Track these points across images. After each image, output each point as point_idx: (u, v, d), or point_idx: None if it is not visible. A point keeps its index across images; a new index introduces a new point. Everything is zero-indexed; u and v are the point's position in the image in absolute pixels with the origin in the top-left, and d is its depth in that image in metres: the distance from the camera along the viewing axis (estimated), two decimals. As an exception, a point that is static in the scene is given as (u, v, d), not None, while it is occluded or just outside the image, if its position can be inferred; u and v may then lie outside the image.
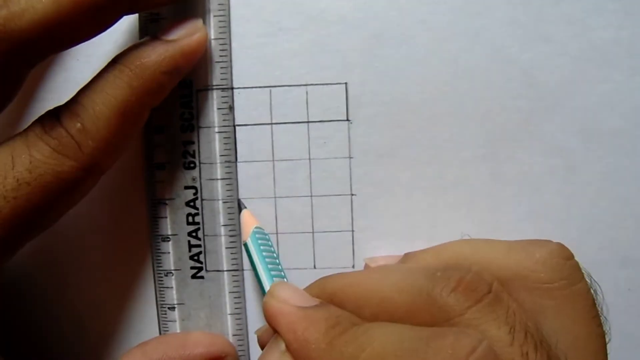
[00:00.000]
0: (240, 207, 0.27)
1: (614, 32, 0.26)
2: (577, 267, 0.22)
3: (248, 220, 0.27)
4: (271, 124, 0.27)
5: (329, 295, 0.23)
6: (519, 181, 0.27)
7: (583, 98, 0.27)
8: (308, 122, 0.27)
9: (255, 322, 0.28)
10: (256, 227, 0.27)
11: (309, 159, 0.27)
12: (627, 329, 0.27)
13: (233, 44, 0.27)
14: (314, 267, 0.28)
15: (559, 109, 0.27)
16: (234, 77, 0.27)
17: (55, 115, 0.23)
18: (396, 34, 0.27)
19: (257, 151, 0.27)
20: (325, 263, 0.27)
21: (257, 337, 0.26)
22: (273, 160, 0.27)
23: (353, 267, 0.27)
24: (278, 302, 0.22)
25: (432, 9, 0.27)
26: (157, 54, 0.24)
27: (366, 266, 0.27)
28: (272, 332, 0.22)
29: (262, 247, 0.26)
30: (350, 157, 0.27)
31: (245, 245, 0.26)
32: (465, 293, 0.20)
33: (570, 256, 0.22)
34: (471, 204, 0.27)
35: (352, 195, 0.27)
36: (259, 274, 0.26)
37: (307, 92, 0.27)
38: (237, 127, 0.27)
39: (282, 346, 0.21)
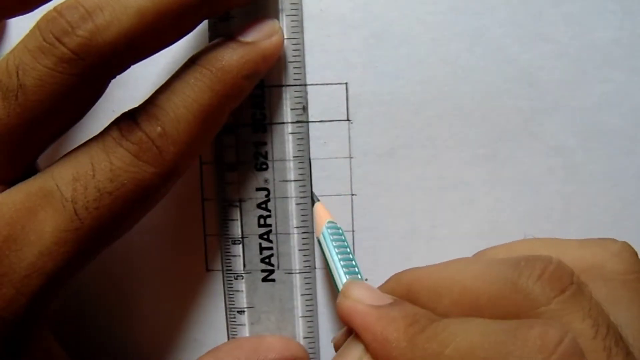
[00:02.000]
0: (313, 200, 0.27)
1: (614, 32, 0.26)
2: None
3: (321, 214, 0.27)
4: (271, 124, 0.27)
5: (405, 288, 0.22)
6: (519, 181, 0.27)
7: (583, 98, 0.27)
8: (308, 122, 0.27)
9: (326, 324, 0.28)
10: (329, 222, 0.26)
11: (309, 158, 0.27)
12: (627, 329, 0.27)
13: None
14: (314, 267, 0.28)
15: (559, 109, 0.27)
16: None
17: (133, 118, 0.22)
18: (396, 34, 0.27)
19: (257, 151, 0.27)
20: (325, 263, 0.27)
21: (334, 344, 0.25)
22: (273, 160, 0.27)
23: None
24: (352, 302, 0.22)
25: (432, 9, 0.27)
26: (238, 57, 0.23)
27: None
28: (349, 336, 0.22)
29: (335, 243, 0.26)
30: (350, 157, 0.27)
31: (318, 240, 0.26)
32: (550, 282, 0.20)
33: (636, 253, 0.22)
34: (471, 204, 0.27)
35: (352, 195, 0.27)
36: (332, 271, 0.25)
37: (307, 92, 0.27)
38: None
39: (361, 349, 0.21)
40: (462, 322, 0.20)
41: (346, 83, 0.27)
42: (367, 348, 0.21)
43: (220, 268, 0.28)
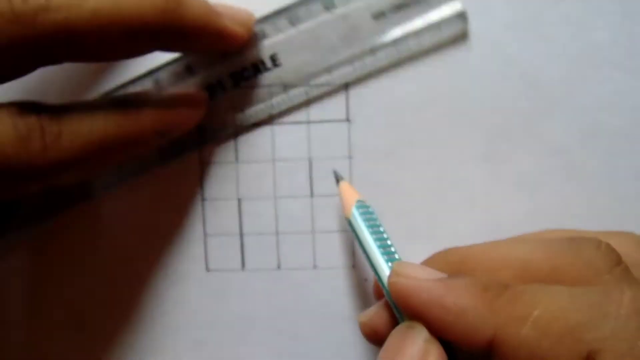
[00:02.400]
0: (337, 178, 0.26)
1: (614, 32, 0.26)
2: None
3: (349, 194, 0.25)
4: (271, 124, 0.27)
5: (455, 266, 0.22)
6: (519, 181, 0.27)
7: (583, 98, 0.27)
8: (308, 122, 0.27)
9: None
10: (358, 201, 0.24)
11: (309, 159, 0.27)
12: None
13: (233, 44, 0.27)
14: (314, 267, 0.28)
15: (559, 109, 0.27)
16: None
17: (37, 110, 0.22)
18: (396, 34, 0.27)
19: (257, 151, 0.27)
20: (325, 263, 0.27)
21: (362, 323, 0.23)
22: (273, 160, 0.27)
23: (353, 266, 0.27)
24: (409, 279, 0.21)
25: (432, 9, 0.27)
26: (154, 111, 0.24)
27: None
28: (386, 315, 0.22)
29: (368, 223, 0.24)
30: (350, 157, 0.27)
31: (349, 222, 0.24)
32: (607, 253, 0.20)
33: None
34: (471, 204, 0.27)
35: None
36: (369, 252, 0.23)
37: (307, 93, 0.27)
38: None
39: (425, 333, 0.20)
40: (541, 288, 0.20)
41: (346, 83, 0.27)
42: (435, 326, 0.20)
43: (220, 268, 0.28)
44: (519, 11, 0.27)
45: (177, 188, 0.28)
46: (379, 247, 0.23)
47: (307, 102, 0.27)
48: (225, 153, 0.27)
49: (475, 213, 0.27)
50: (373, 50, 0.27)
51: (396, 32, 0.27)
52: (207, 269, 0.28)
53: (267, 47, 0.27)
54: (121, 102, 0.24)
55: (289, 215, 0.27)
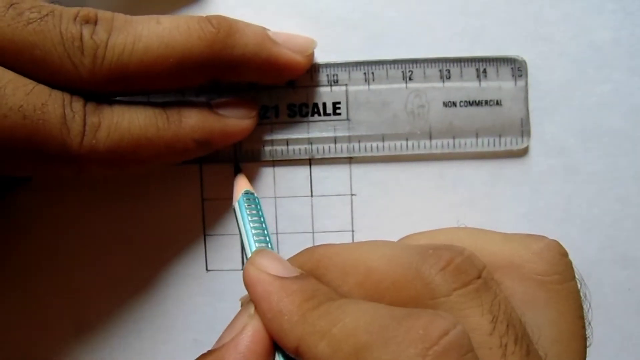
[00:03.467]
0: (237, 169, 0.27)
1: (614, 32, 0.26)
2: (570, 265, 0.22)
3: (240, 184, 0.26)
4: (271, 124, 0.27)
5: (315, 262, 0.22)
6: (519, 181, 0.27)
7: (583, 98, 0.27)
8: (308, 122, 0.27)
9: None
10: (246, 191, 0.26)
11: (309, 158, 0.27)
12: (627, 329, 0.27)
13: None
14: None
15: (559, 109, 0.27)
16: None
17: (85, 97, 0.22)
18: (396, 34, 0.27)
19: (257, 151, 0.27)
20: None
21: (241, 304, 0.25)
22: (273, 160, 0.27)
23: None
24: (257, 270, 0.22)
25: (432, 9, 0.27)
26: (197, 120, 0.24)
27: None
28: None
29: (249, 212, 0.25)
30: (350, 157, 0.27)
31: (234, 210, 0.25)
32: (454, 274, 0.20)
33: (565, 253, 0.22)
34: (471, 204, 0.27)
35: (352, 195, 0.27)
36: (243, 240, 0.24)
37: (307, 92, 0.27)
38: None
39: (251, 310, 0.21)
40: (356, 304, 0.20)
41: (346, 83, 0.27)
42: (262, 318, 0.21)
43: (220, 268, 0.28)
44: (519, 11, 0.26)
45: (177, 188, 0.28)
46: (254, 234, 0.24)
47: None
48: (225, 153, 0.27)
49: (475, 213, 0.27)
50: (433, 134, 0.27)
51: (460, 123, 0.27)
52: (207, 269, 0.28)
53: (334, 92, 0.27)
54: (167, 107, 0.24)
55: (289, 215, 0.27)
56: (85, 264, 0.28)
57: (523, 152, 0.27)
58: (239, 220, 0.25)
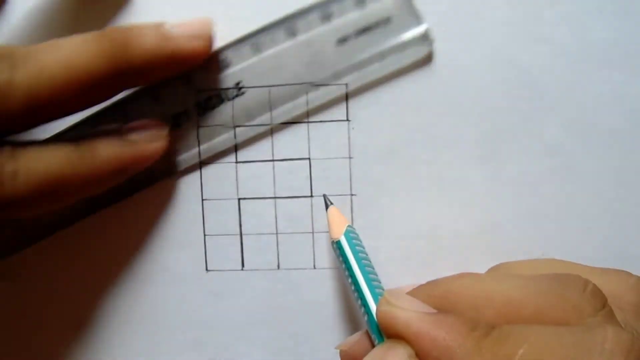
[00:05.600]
0: (326, 203, 0.27)
1: (614, 32, 0.26)
2: None
3: (338, 219, 0.26)
4: (271, 124, 0.27)
5: (439, 298, 0.22)
6: (519, 181, 0.27)
7: (583, 98, 0.27)
8: (308, 122, 0.27)
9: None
10: (349, 226, 0.25)
11: (309, 159, 0.27)
12: (627, 329, 0.27)
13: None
14: (314, 267, 0.28)
15: (559, 109, 0.27)
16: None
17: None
18: (396, 34, 0.27)
19: (257, 151, 0.27)
20: (325, 263, 0.27)
21: (343, 352, 0.24)
22: (273, 160, 0.27)
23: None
24: (402, 310, 0.21)
25: (432, 9, 0.27)
26: (109, 151, 0.24)
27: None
28: (367, 344, 0.22)
29: (358, 248, 0.25)
30: (350, 157, 0.27)
31: (339, 244, 0.25)
32: (593, 296, 0.21)
33: None
34: (471, 204, 0.27)
35: (352, 195, 0.27)
36: (357, 278, 0.24)
37: (307, 93, 0.27)
38: (236, 127, 0.27)
39: (410, 350, 0.20)
40: (526, 327, 0.20)
41: (346, 83, 0.27)
42: (426, 357, 0.20)
43: (220, 268, 0.28)
44: (518, 11, 0.26)
45: (177, 188, 0.28)
46: (366, 274, 0.24)
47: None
48: (225, 153, 0.27)
49: (475, 213, 0.27)
50: (337, 75, 0.27)
51: (361, 55, 0.27)
52: (207, 269, 0.28)
53: (231, 75, 0.27)
54: (79, 141, 0.24)
55: (289, 215, 0.27)
56: (85, 264, 0.28)
57: (428, 59, 0.27)
58: (348, 257, 0.24)
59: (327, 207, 0.26)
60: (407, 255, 0.27)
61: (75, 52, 0.23)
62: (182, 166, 0.27)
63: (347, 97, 0.27)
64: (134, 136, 0.25)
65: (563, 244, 0.27)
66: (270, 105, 0.27)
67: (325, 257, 0.27)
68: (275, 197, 0.27)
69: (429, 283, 0.23)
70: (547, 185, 0.27)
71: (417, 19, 0.26)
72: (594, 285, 0.21)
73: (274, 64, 0.27)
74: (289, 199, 0.27)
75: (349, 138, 0.27)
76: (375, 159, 0.27)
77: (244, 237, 0.28)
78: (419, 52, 0.26)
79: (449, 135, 0.27)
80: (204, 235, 0.28)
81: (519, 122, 0.27)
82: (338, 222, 0.25)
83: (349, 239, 0.25)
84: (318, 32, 0.26)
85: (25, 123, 0.23)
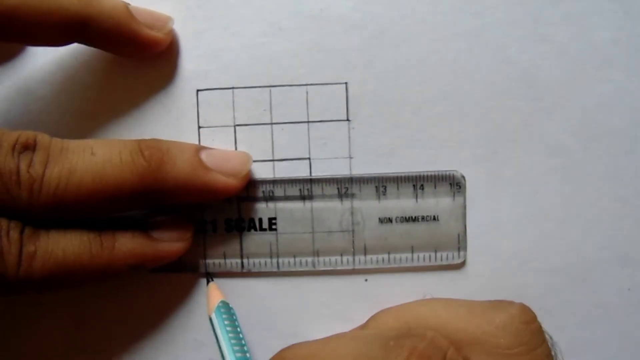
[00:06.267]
0: (208, 279, 0.27)
1: (613, 32, 0.26)
2: (538, 331, 0.22)
3: (214, 295, 0.27)
4: (271, 124, 0.27)
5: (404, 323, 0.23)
6: (519, 181, 0.27)
7: (583, 98, 0.27)
8: (308, 122, 0.27)
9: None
10: (221, 301, 0.26)
11: (309, 159, 0.27)
12: (627, 329, 0.27)
13: (233, 44, 0.27)
14: (314, 267, 0.28)
15: (559, 109, 0.27)
16: (234, 77, 0.27)
17: (22, 224, 0.23)
18: (396, 34, 0.27)
19: (257, 151, 0.27)
20: (325, 263, 0.27)
21: None
22: (273, 160, 0.27)
23: (353, 267, 0.27)
24: None
25: (432, 9, 0.27)
26: (130, 245, 0.25)
27: None
28: None
29: (227, 322, 0.26)
30: (350, 157, 0.27)
31: (210, 319, 0.26)
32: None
33: (532, 319, 0.22)
34: (471, 204, 0.27)
35: (352, 195, 0.27)
36: (223, 350, 0.25)
37: (307, 92, 0.27)
38: (237, 127, 0.27)
39: None
40: None
41: (346, 83, 0.27)
42: None
43: (220, 270, 0.28)
44: (518, 11, 0.26)
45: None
46: (233, 345, 0.25)
47: (307, 102, 0.27)
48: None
49: (476, 213, 0.27)
50: (368, 251, 0.27)
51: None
52: (207, 269, 0.28)
53: (270, 208, 0.27)
54: (102, 230, 0.24)
55: (289, 215, 0.27)
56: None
57: (460, 266, 0.27)
58: (217, 331, 0.26)
59: (207, 283, 0.27)
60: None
61: (108, 162, 0.23)
62: (196, 270, 0.28)
63: (347, 97, 0.27)
64: (157, 234, 0.26)
65: (563, 244, 0.27)
66: (271, 105, 0.27)
67: (325, 257, 0.27)
68: (275, 197, 0.27)
69: (282, 350, 0.24)
70: (547, 185, 0.27)
71: (463, 227, 0.27)
72: (429, 344, 0.21)
73: (314, 217, 0.27)
74: (289, 199, 0.27)
75: (349, 138, 0.27)
76: (375, 159, 0.27)
77: (243, 237, 0.28)
78: (451, 259, 0.27)
79: (449, 135, 0.27)
80: (204, 235, 0.28)
81: (519, 122, 0.27)
82: (212, 299, 0.26)
83: (218, 315, 0.26)
84: (367, 205, 0.27)
85: (47, 216, 0.23)
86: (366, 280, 0.27)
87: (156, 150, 0.24)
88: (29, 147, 0.23)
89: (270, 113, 0.27)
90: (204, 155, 0.25)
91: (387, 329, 0.23)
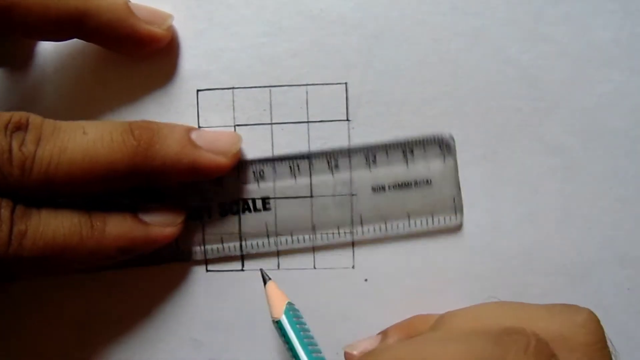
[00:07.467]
0: (264, 278, 0.26)
1: (614, 32, 0.26)
2: (604, 331, 0.23)
3: (277, 295, 0.26)
4: (271, 124, 0.27)
5: None
6: (519, 181, 0.27)
7: (583, 98, 0.27)
8: (308, 122, 0.27)
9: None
10: (289, 303, 0.25)
11: (309, 158, 0.27)
12: (627, 329, 0.27)
13: (233, 44, 0.27)
14: (314, 268, 0.28)
15: (559, 109, 0.27)
16: (234, 77, 0.27)
17: (13, 203, 0.23)
18: (396, 34, 0.27)
19: (257, 151, 0.27)
20: (325, 263, 0.27)
21: (347, 353, 0.25)
22: (273, 160, 0.27)
23: (353, 267, 0.27)
24: None
25: (432, 9, 0.27)
26: (121, 228, 0.25)
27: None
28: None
29: (299, 326, 0.25)
30: (350, 157, 0.27)
31: (279, 323, 0.25)
32: (537, 354, 0.20)
33: (599, 321, 0.23)
34: (472, 204, 0.27)
35: (352, 195, 0.27)
36: (298, 353, 0.24)
37: (307, 92, 0.27)
38: (237, 127, 0.27)
39: None
40: None
41: (346, 83, 0.27)
42: None
43: (220, 268, 0.28)
44: (519, 11, 0.26)
45: (177, 188, 0.28)
46: (309, 353, 0.24)
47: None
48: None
49: (476, 213, 0.27)
50: (364, 222, 0.27)
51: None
52: (207, 269, 0.28)
53: (262, 189, 0.27)
54: (93, 212, 0.25)
55: (289, 215, 0.27)
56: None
57: (457, 229, 0.27)
58: (289, 335, 0.25)
59: (265, 282, 0.26)
60: (407, 255, 0.27)
61: (99, 141, 0.24)
62: (192, 258, 0.28)
63: (347, 97, 0.27)
64: (148, 218, 0.26)
65: (563, 244, 0.27)
66: (271, 105, 0.27)
67: (325, 257, 0.27)
68: (275, 198, 0.27)
69: (374, 351, 0.23)
70: (547, 185, 0.27)
71: (457, 189, 0.27)
72: (538, 340, 0.21)
73: (306, 193, 0.27)
74: (289, 199, 0.27)
75: (349, 138, 0.27)
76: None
77: (243, 237, 0.28)
78: (448, 222, 0.27)
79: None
80: (204, 235, 0.28)
81: (519, 122, 0.27)
82: (278, 300, 0.26)
83: (289, 318, 0.25)
84: (359, 175, 0.27)
85: (38, 194, 0.24)
86: (366, 280, 0.27)
87: (146, 130, 0.24)
88: (21, 127, 0.23)
89: (270, 113, 0.27)
90: (194, 135, 0.25)
91: (469, 328, 0.23)
